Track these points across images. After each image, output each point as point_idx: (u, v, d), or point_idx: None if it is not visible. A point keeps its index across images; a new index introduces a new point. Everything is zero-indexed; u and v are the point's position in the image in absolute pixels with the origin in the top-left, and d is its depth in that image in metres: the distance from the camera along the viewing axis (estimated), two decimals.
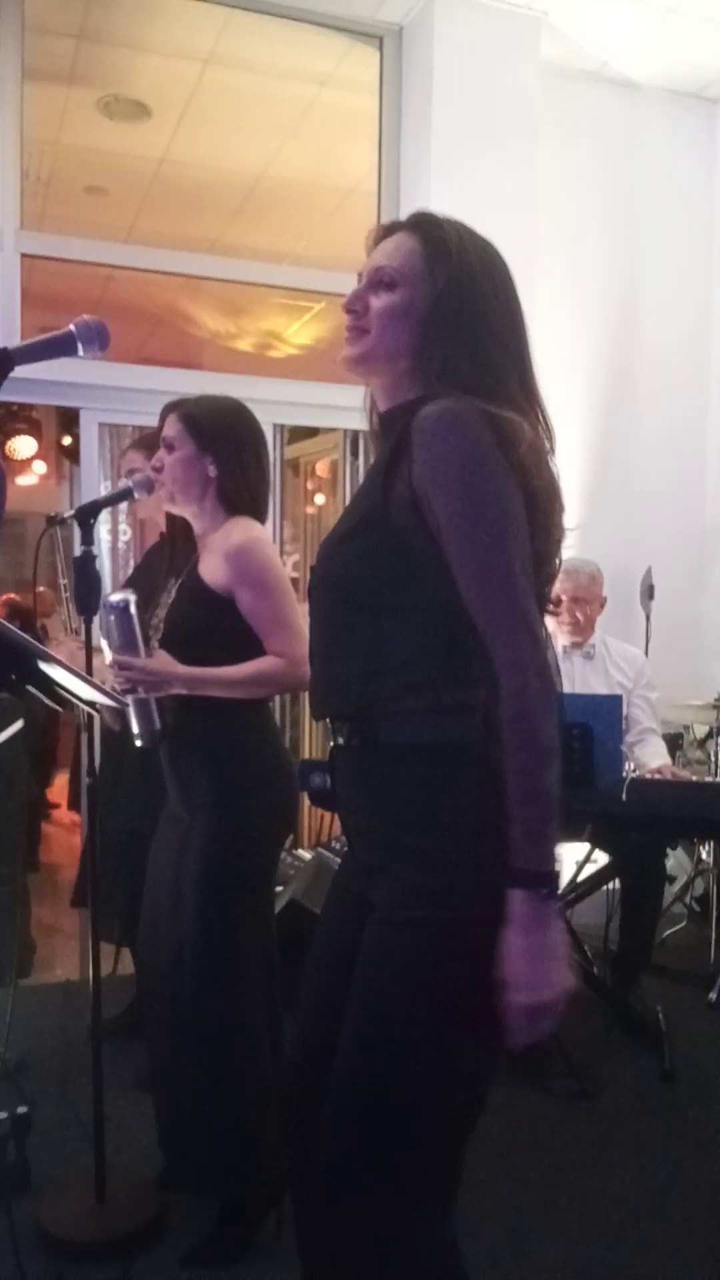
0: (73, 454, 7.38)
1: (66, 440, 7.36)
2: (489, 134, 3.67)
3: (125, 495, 2.02)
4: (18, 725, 2.69)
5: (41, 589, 5.67)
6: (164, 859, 2.01)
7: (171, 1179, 2.12)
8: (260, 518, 2.01)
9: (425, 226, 1.25)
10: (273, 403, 3.66)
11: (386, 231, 1.28)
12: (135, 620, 1.82)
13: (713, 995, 3.28)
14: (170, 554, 2.10)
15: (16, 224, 3.53)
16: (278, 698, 2.41)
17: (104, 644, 1.85)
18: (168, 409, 1.98)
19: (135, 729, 1.88)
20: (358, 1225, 1.18)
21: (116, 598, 1.81)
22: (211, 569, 1.92)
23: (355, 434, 3.96)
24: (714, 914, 3.72)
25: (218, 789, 1.92)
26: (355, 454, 4.02)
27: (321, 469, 5.22)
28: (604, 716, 2.48)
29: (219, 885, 1.89)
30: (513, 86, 3.70)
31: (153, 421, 3.57)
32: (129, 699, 1.84)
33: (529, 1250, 2.00)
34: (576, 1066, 2.64)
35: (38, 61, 3.67)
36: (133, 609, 1.81)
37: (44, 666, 1.22)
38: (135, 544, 4.09)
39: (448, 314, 1.20)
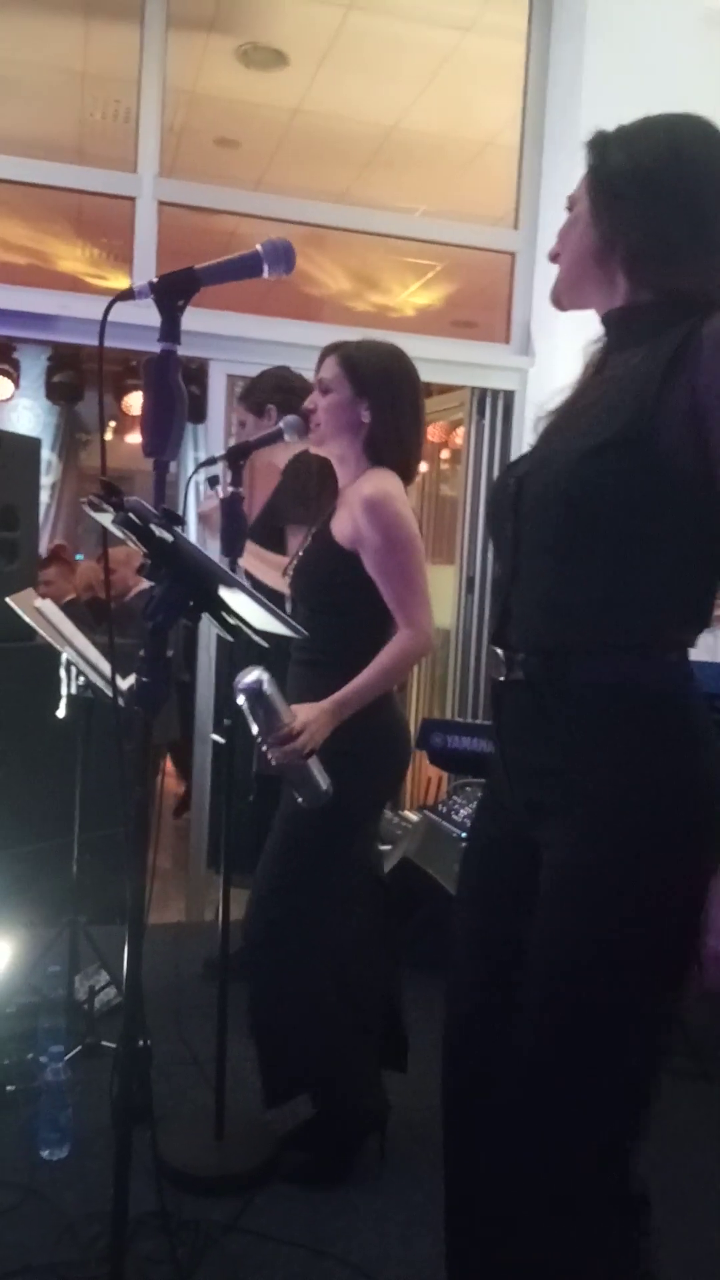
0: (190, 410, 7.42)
1: None
2: (645, 81, 3.49)
3: (276, 437, 1.99)
4: None
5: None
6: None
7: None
8: (407, 474, 1.95)
9: (591, 153, 1.22)
10: None
11: None
12: (273, 696, 1.68)
13: None
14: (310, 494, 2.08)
15: (156, 170, 3.53)
16: None
17: (251, 725, 1.71)
18: (327, 350, 1.93)
19: (300, 797, 1.77)
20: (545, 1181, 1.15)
21: (249, 680, 1.65)
22: (342, 524, 1.88)
23: (482, 392, 3.85)
24: None
25: (331, 746, 1.89)
26: (482, 414, 3.91)
27: (457, 436, 4.94)
28: None
29: (302, 831, 1.90)
30: (671, 29, 3.52)
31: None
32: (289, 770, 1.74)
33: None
34: (698, 1046, 2.57)
35: (182, 8, 3.65)
36: (266, 687, 1.66)
37: (225, 592, 1.19)
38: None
39: (620, 214, 1.17)
